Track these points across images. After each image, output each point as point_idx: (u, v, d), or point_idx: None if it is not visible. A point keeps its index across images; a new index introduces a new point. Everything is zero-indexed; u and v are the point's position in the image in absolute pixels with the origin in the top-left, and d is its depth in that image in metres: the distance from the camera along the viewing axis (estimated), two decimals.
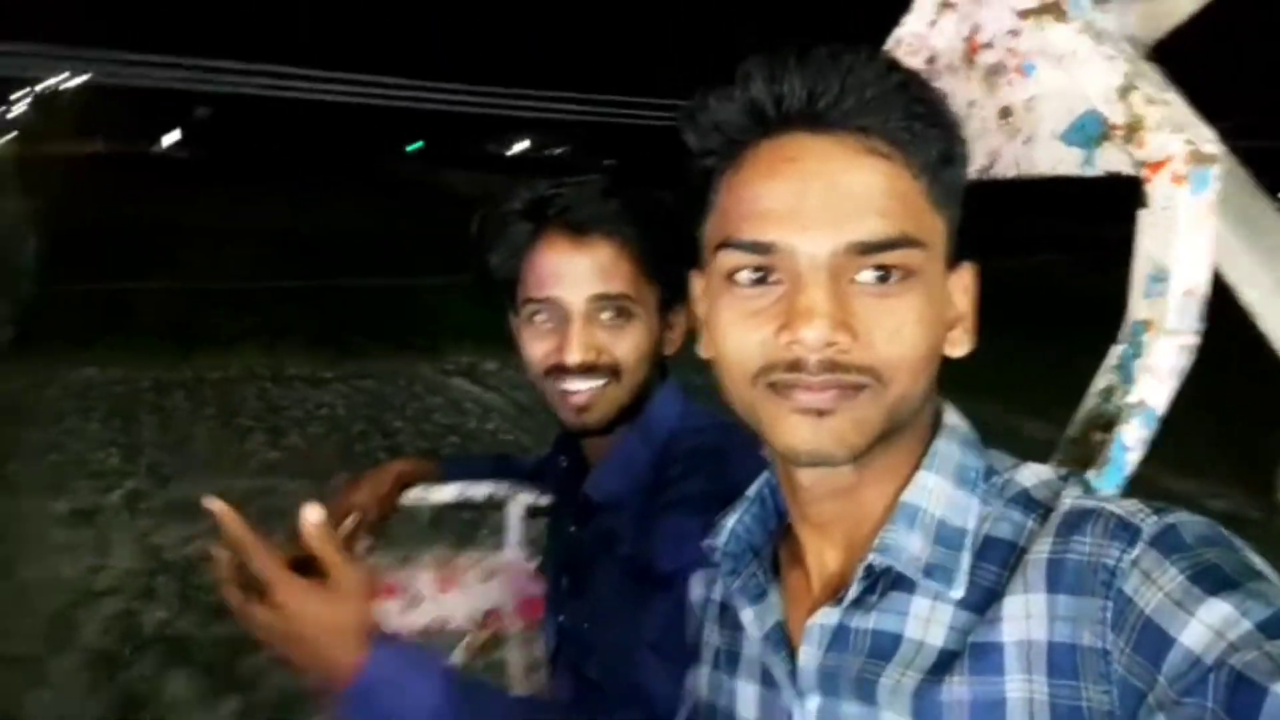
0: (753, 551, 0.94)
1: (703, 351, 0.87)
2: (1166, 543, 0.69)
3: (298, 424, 5.91)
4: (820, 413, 0.77)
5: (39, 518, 4.48)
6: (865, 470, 0.82)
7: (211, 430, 5.90)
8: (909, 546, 0.79)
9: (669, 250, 1.25)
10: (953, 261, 0.83)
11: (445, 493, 1.75)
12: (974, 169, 1.19)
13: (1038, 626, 0.72)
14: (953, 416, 0.87)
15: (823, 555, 0.87)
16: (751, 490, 0.96)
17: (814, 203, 0.76)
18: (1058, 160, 1.10)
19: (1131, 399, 0.98)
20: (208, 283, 11.47)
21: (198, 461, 5.18)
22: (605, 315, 1.25)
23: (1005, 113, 1.16)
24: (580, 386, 1.25)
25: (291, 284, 11.09)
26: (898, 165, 0.78)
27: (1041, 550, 0.74)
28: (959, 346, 0.84)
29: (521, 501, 1.76)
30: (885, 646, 0.79)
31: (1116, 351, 1.01)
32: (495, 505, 1.79)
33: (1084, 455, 0.98)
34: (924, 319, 0.78)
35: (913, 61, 1.26)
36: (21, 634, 3.38)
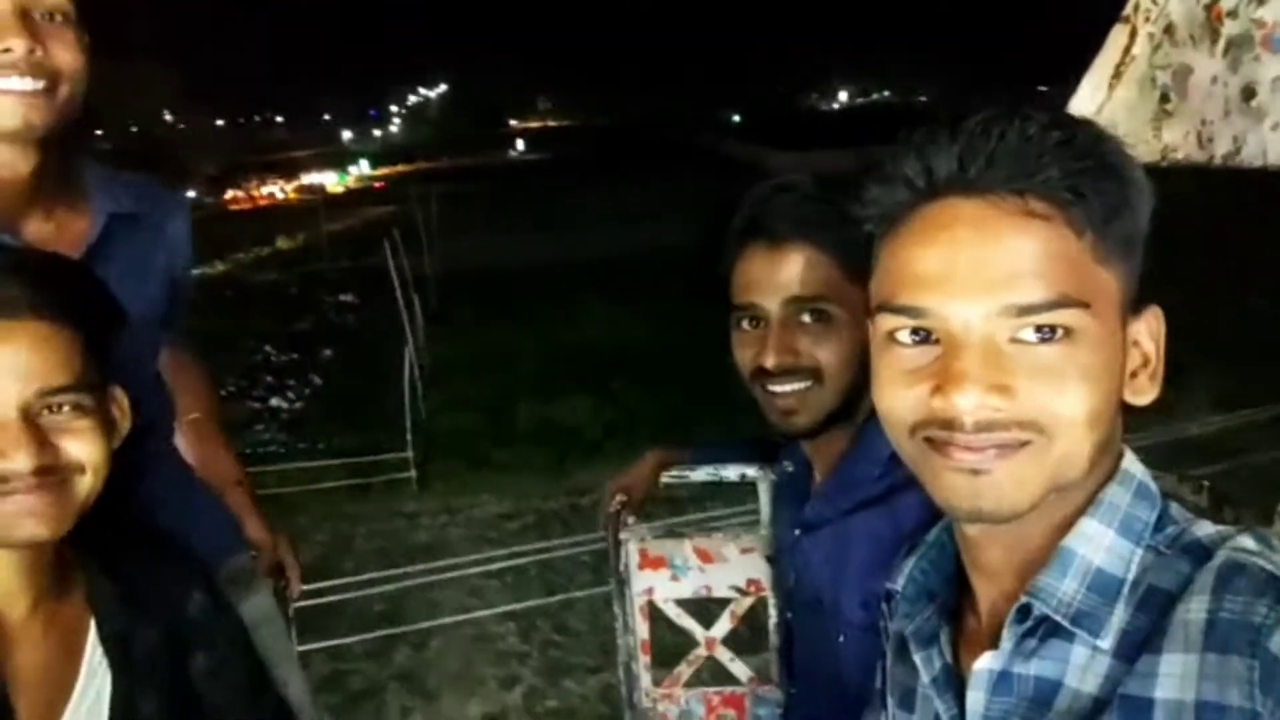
0: (928, 596, 0.95)
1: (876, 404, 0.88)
2: None
3: None
4: (976, 471, 0.77)
5: None
6: (1032, 521, 0.81)
7: (586, 588, 5.38)
8: (1060, 591, 0.79)
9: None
10: (1132, 309, 0.81)
11: (700, 474, 1.84)
12: (1218, 155, 1.07)
13: (1189, 686, 0.71)
14: (1131, 464, 0.84)
15: (993, 601, 0.88)
16: (931, 535, 0.97)
17: (966, 268, 0.77)
18: None
19: None
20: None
21: (579, 642, 4.89)
22: (804, 318, 1.26)
23: (1249, 93, 1.03)
24: (783, 389, 1.28)
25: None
26: (1057, 225, 0.76)
27: (1198, 608, 0.73)
28: (1144, 394, 0.82)
29: (771, 480, 1.80)
30: (1046, 693, 0.80)
31: None
32: (748, 484, 1.85)
33: None
34: (1090, 375, 0.76)
35: (1149, 30, 1.14)
36: None
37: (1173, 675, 0.72)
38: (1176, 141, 1.12)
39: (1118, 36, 1.21)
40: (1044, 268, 0.75)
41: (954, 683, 0.88)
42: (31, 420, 1.02)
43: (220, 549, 1.59)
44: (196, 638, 1.24)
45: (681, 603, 1.93)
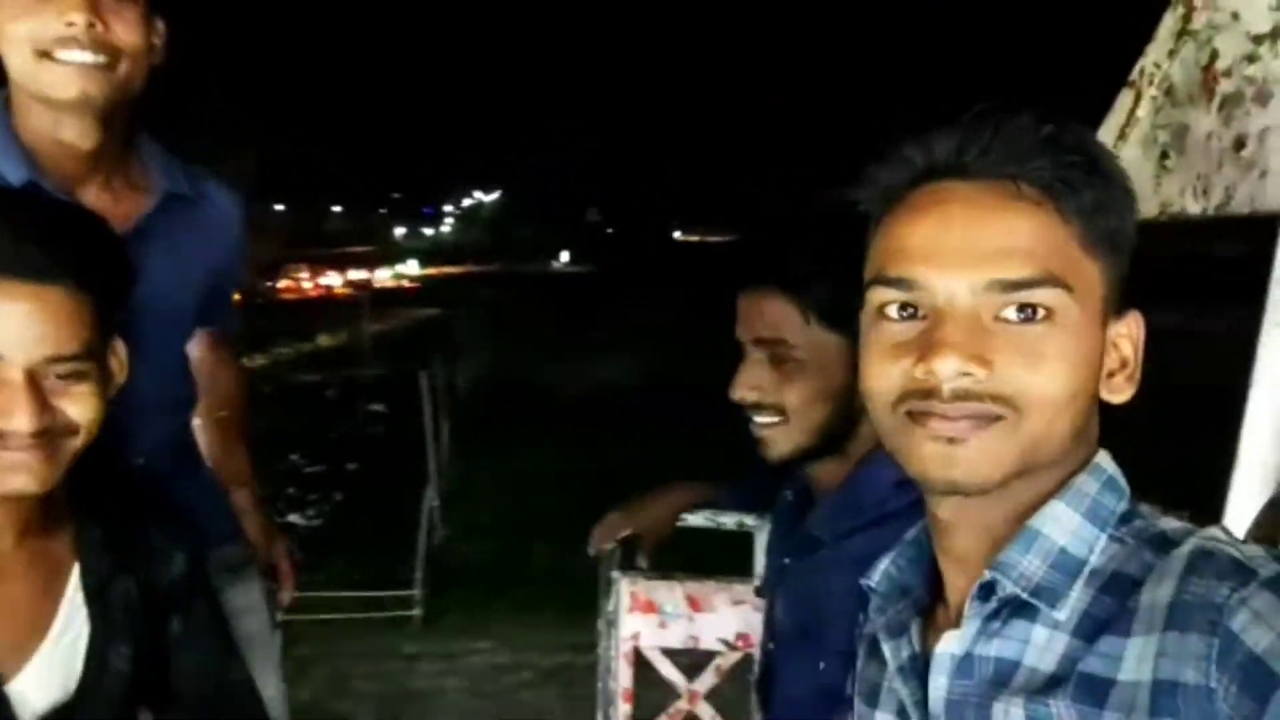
0: (902, 591, 0.97)
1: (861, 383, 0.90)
2: None
3: None
4: (952, 440, 0.79)
5: None
6: (1001, 505, 0.84)
7: None
8: (1022, 567, 0.81)
9: (844, 296, 1.31)
10: (1114, 308, 0.84)
11: (696, 519, 1.86)
12: (1211, 205, 1.13)
13: (1146, 667, 0.72)
14: (1105, 460, 0.87)
15: (961, 588, 0.88)
16: (910, 533, 0.99)
17: (956, 242, 0.80)
18: None
19: None
20: None
21: None
22: (769, 358, 1.32)
23: (1240, 144, 1.10)
24: (756, 421, 1.34)
25: None
26: (1046, 210, 0.80)
27: (1165, 592, 0.74)
28: (1120, 393, 0.85)
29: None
30: (1005, 673, 0.81)
31: None
32: (745, 532, 1.87)
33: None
34: (1067, 358, 0.79)
35: (1152, 93, 1.22)
36: None
37: (1134, 657, 0.74)
38: (1172, 196, 1.18)
39: (1124, 100, 1.28)
40: (1031, 246, 0.79)
41: (920, 670, 0.89)
42: (36, 383, 1.05)
43: (216, 534, 1.62)
44: (173, 602, 1.27)
45: (668, 652, 1.93)
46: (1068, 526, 0.82)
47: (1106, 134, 1.28)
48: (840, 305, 1.31)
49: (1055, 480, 0.84)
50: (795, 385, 1.32)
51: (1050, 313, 0.78)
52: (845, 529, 1.33)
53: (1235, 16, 1.11)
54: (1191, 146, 1.15)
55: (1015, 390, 0.78)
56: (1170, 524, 0.82)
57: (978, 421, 0.78)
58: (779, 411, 1.32)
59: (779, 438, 1.33)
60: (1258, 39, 1.08)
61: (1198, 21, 1.15)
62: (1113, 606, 0.77)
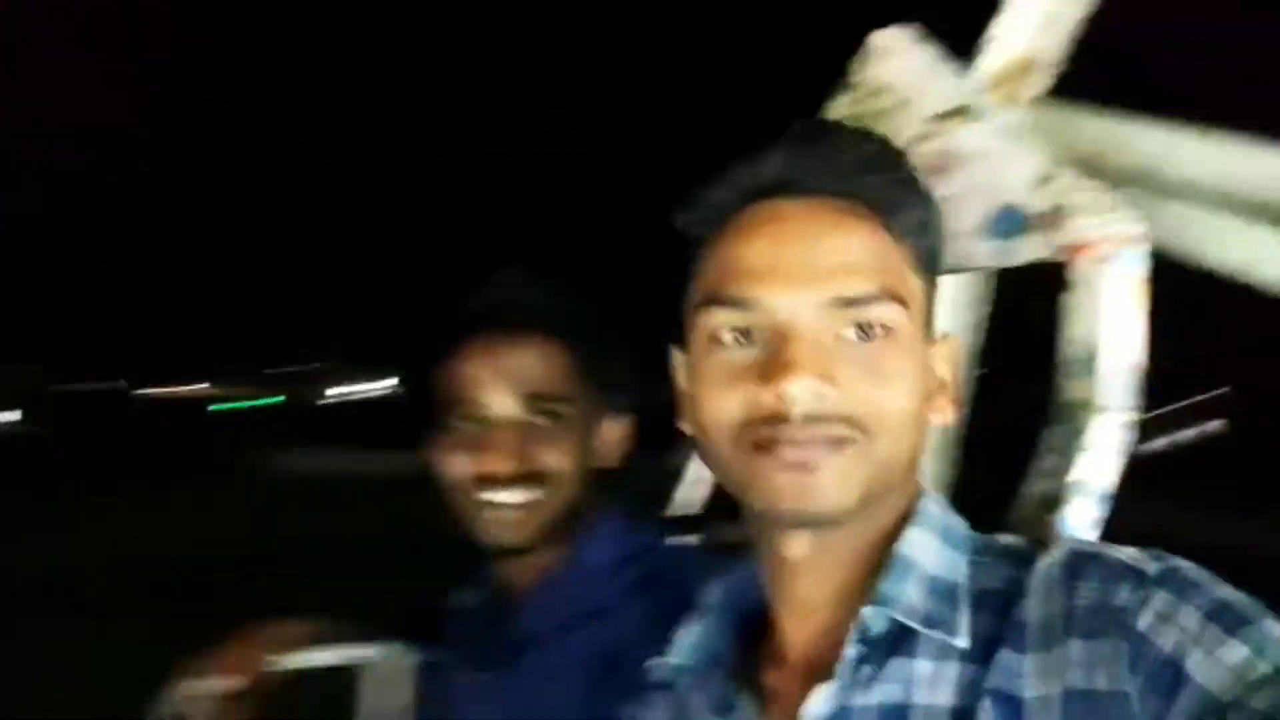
0: (714, 663, 0.89)
1: (685, 424, 0.86)
2: (1175, 583, 0.70)
3: None
4: (805, 467, 0.76)
5: None
6: (851, 538, 0.81)
7: None
8: (905, 597, 0.77)
9: (603, 352, 1.22)
10: (933, 330, 0.86)
11: (298, 659, 1.54)
12: None
13: (1054, 680, 0.70)
14: (929, 486, 0.87)
15: (809, 642, 0.83)
16: (711, 599, 0.92)
17: (795, 260, 0.79)
18: (976, 254, 1.10)
19: (1072, 478, 0.96)
20: None
21: None
22: (536, 419, 1.16)
23: None
24: (508, 499, 1.15)
25: None
26: (877, 227, 0.81)
27: (1055, 604, 0.73)
28: (942, 415, 0.86)
29: (407, 660, 1.56)
30: (894, 719, 0.75)
31: (1053, 432, 1.00)
32: (362, 668, 1.60)
33: (1033, 536, 0.95)
34: (908, 375, 0.79)
35: None
36: None
37: (1037, 673, 0.71)
38: None
39: None
40: (868, 263, 0.79)
41: None
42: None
43: None
44: None
45: None
46: (932, 551, 0.80)
47: None
48: (604, 357, 1.20)
49: (898, 509, 0.82)
50: (565, 449, 1.16)
51: (889, 330, 0.79)
52: (566, 614, 1.16)
53: (906, 100, 1.20)
54: None
55: (863, 410, 0.77)
56: (1009, 539, 0.83)
57: (828, 446, 0.76)
58: (540, 482, 1.15)
59: (532, 514, 1.15)
60: (930, 120, 1.16)
61: (868, 106, 1.24)
62: (994, 624, 0.75)
